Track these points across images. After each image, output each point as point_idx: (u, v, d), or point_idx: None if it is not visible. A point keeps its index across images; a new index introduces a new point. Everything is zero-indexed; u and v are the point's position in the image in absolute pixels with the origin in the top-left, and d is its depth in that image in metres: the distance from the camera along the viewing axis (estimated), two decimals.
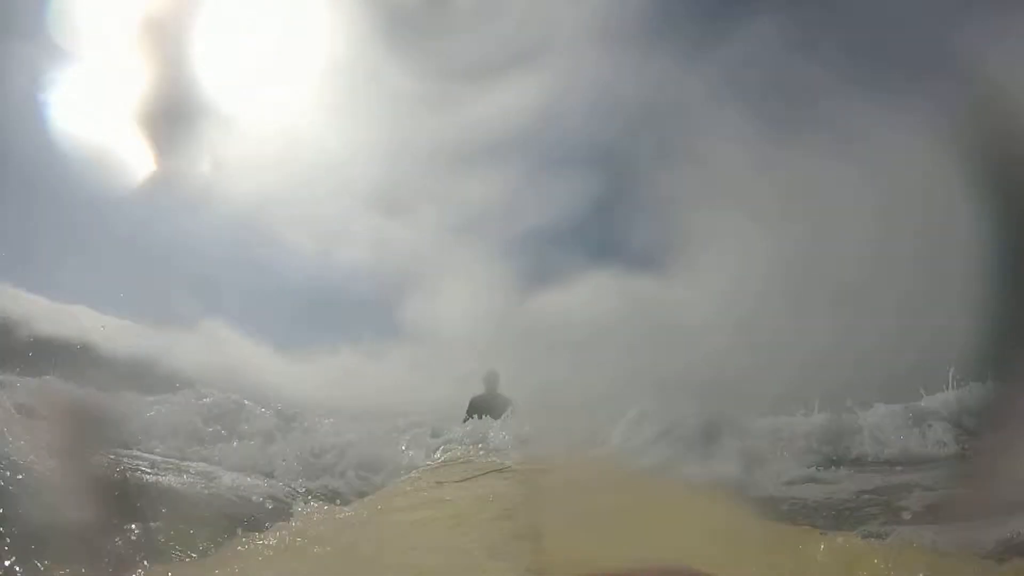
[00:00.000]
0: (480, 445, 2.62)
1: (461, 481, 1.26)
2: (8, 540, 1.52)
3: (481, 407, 6.17)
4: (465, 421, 6.14)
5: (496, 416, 6.18)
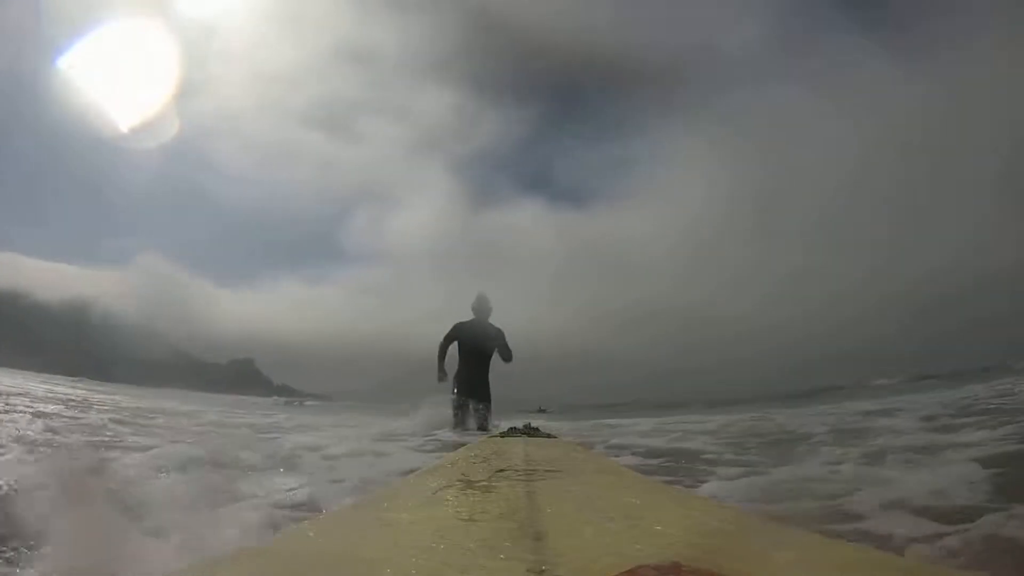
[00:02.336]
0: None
1: (462, 482, 1.26)
2: None
3: (466, 336, 5.29)
4: (443, 351, 5.25)
5: (481, 348, 5.35)
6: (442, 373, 5.27)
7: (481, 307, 5.44)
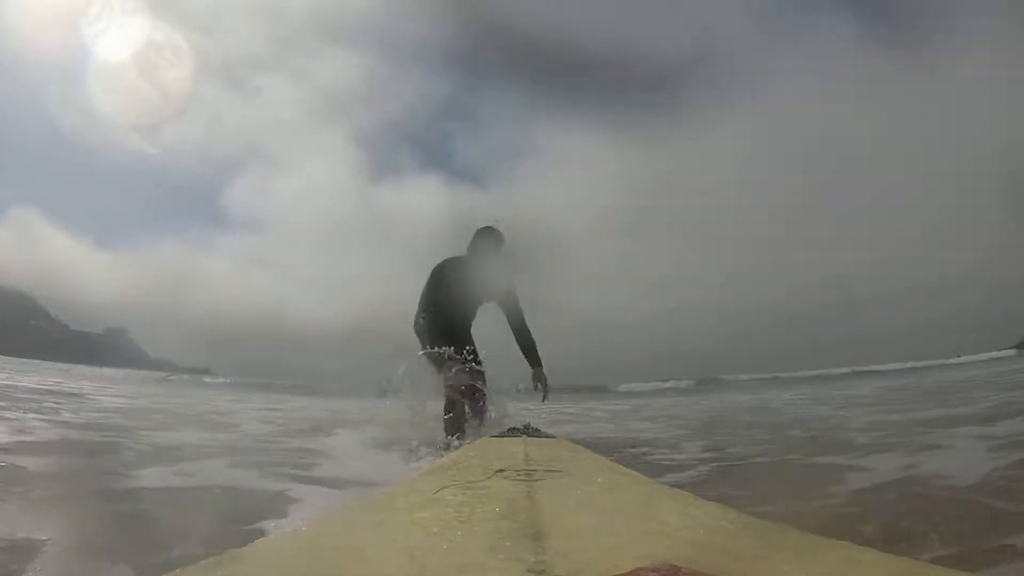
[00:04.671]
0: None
1: (462, 482, 1.26)
2: None
3: (454, 282, 3.37)
4: (422, 321, 3.27)
5: (474, 300, 3.41)
6: (437, 347, 3.20)
7: (485, 243, 3.43)
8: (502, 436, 2.83)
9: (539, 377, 3.10)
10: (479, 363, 3.49)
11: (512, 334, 3.37)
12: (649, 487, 1.32)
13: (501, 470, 1.38)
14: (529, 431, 2.87)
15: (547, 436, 2.80)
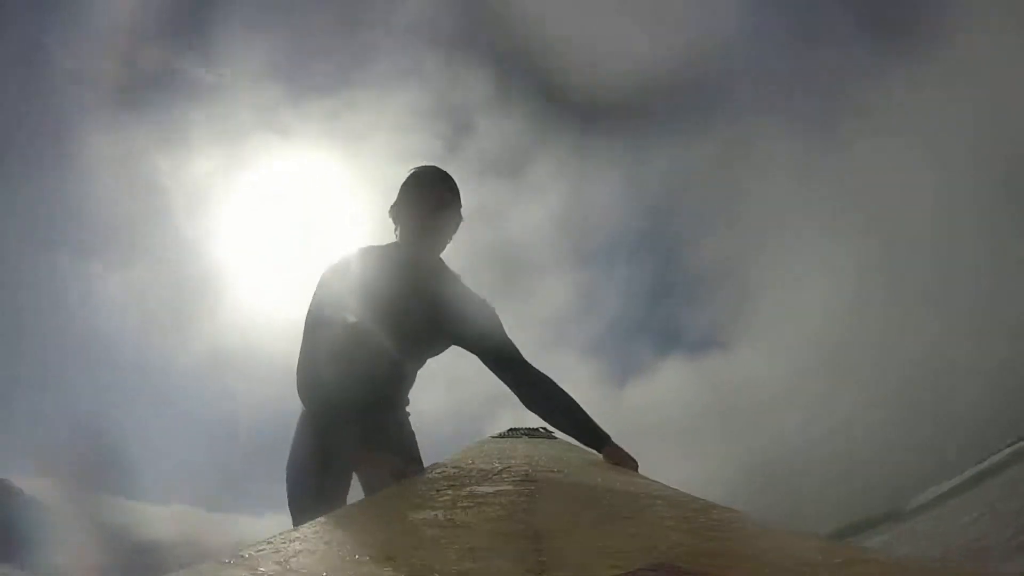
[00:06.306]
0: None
1: (462, 482, 1.26)
2: None
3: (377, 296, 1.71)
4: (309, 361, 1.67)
5: (416, 330, 1.81)
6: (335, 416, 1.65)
7: (428, 214, 1.75)
8: (502, 436, 2.83)
9: (621, 457, 1.68)
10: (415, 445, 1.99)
11: (520, 400, 1.84)
12: (649, 488, 1.32)
13: (501, 470, 1.39)
14: (530, 431, 2.87)
15: (547, 436, 2.80)
